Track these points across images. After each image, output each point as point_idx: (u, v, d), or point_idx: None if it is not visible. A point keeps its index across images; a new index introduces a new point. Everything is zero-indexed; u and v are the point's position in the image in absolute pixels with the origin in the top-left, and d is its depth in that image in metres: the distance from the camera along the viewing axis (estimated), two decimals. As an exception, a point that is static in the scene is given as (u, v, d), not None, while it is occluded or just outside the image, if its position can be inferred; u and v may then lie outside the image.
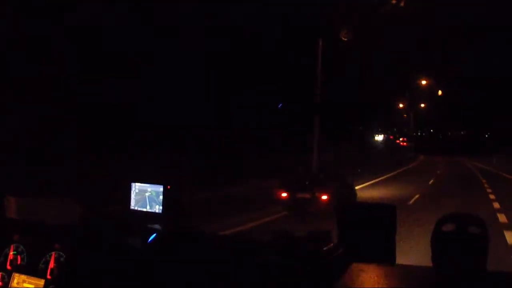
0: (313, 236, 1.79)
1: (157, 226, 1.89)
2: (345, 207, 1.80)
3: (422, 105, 56.23)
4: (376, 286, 1.55)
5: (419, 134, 77.85)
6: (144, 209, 1.98)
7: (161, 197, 1.94)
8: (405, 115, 55.04)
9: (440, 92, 49.35)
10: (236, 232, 8.12)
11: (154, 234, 1.84)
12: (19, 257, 1.94)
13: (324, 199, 9.72)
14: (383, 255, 1.75)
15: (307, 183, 10.42)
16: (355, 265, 1.66)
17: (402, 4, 9.73)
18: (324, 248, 1.63)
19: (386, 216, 1.75)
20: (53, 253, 1.88)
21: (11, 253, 1.96)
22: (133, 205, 2.01)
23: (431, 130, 79.11)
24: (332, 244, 1.68)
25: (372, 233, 1.76)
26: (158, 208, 1.94)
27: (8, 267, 1.95)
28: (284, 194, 10.07)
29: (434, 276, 1.60)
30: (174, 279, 1.73)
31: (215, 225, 7.85)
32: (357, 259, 1.67)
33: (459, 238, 1.60)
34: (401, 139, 64.30)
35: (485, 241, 1.60)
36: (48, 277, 1.85)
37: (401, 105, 50.61)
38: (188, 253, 1.77)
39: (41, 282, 1.87)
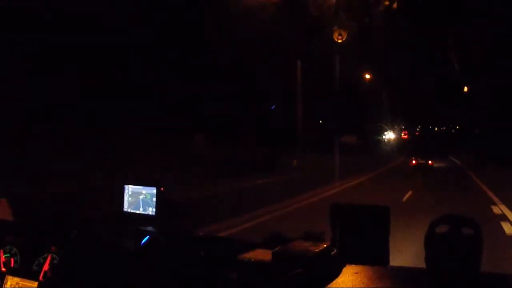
0: (306, 237, 1.78)
1: (150, 228, 1.88)
2: (338, 208, 1.79)
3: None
4: (369, 287, 1.55)
5: (434, 129, 78.00)
6: (138, 211, 1.97)
7: (154, 199, 1.93)
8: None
9: (466, 89, 47.75)
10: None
11: (147, 236, 1.83)
12: (12, 260, 1.94)
13: (430, 163, 30.36)
14: (377, 256, 1.74)
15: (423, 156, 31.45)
16: (348, 266, 1.65)
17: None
18: (317, 249, 1.62)
19: (380, 217, 1.74)
20: (49, 255, 1.88)
21: (4, 255, 1.95)
22: (126, 207, 2.01)
23: (457, 127, 77.98)
24: (325, 245, 1.67)
25: (366, 234, 1.76)
26: (151, 210, 1.93)
27: (3, 268, 1.94)
28: (414, 162, 30.14)
29: (427, 277, 1.60)
30: (167, 281, 1.72)
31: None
32: (350, 260, 1.67)
33: (452, 239, 1.60)
34: (403, 133, 66.58)
35: (478, 242, 1.59)
36: (41, 279, 1.85)
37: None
38: (181, 255, 1.77)
39: (34, 284, 1.86)
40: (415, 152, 35.53)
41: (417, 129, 74.22)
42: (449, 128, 79.07)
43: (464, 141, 56.48)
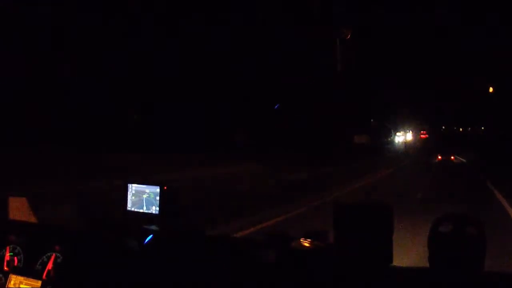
0: (309, 236, 1.78)
1: (153, 227, 1.88)
2: (341, 207, 1.79)
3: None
4: (373, 286, 1.54)
5: (460, 129, 78.30)
6: (141, 210, 1.97)
7: (157, 198, 1.93)
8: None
9: (491, 89, 47.01)
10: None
11: (151, 236, 1.83)
12: (16, 258, 1.94)
13: (452, 158, 44.36)
14: (380, 255, 1.73)
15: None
16: (351, 265, 1.65)
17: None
18: (320, 249, 1.62)
19: (383, 216, 1.73)
20: (52, 254, 1.88)
21: (8, 254, 1.95)
22: (129, 206, 2.01)
23: (482, 128, 77.97)
24: (328, 244, 1.67)
25: (369, 233, 1.75)
26: (154, 209, 1.93)
27: (6, 268, 1.95)
28: (439, 157, 43.22)
29: (431, 277, 1.59)
30: (170, 280, 1.72)
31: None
32: (353, 259, 1.67)
33: (456, 238, 1.59)
34: (421, 133, 67.97)
35: (482, 241, 1.59)
36: (44, 277, 1.85)
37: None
38: (184, 253, 1.76)
39: (38, 283, 1.86)
40: (440, 150, 47.48)
41: (442, 129, 75.65)
42: (473, 129, 79.22)
43: (485, 142, 56.46)
